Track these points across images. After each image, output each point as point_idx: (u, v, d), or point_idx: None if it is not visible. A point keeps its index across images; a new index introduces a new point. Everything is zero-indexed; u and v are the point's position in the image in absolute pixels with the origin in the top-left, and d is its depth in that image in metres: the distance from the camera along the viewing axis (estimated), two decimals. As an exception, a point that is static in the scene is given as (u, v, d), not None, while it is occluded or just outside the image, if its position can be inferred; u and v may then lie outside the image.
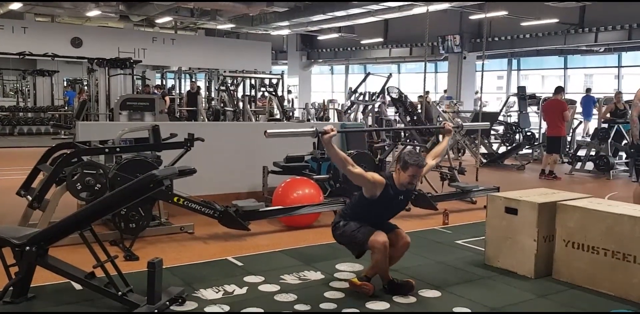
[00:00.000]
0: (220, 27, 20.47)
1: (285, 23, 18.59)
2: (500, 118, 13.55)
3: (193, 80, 19.46)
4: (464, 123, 4.67)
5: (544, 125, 11.34)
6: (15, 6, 15.07)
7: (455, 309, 3.63)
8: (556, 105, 9.89)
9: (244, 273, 4.27)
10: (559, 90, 10.19)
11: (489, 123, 5.37)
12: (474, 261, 4.69)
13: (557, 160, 10.20)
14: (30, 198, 4.95)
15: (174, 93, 18.87)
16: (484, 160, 11.36)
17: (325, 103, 17.76)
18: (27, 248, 3.46)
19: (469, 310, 3.63)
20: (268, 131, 3.65)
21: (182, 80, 21.86)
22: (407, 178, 3.78)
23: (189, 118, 15.57)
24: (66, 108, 17.67)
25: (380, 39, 21.86)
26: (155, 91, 16.65)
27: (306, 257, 4.74)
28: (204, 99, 17.44)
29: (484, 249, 4.68)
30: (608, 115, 10.23)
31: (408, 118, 9.33)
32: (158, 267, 3.39)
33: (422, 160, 3.81)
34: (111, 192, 4.05)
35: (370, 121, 12.89)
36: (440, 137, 4.49)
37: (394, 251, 3.89)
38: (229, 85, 15.27)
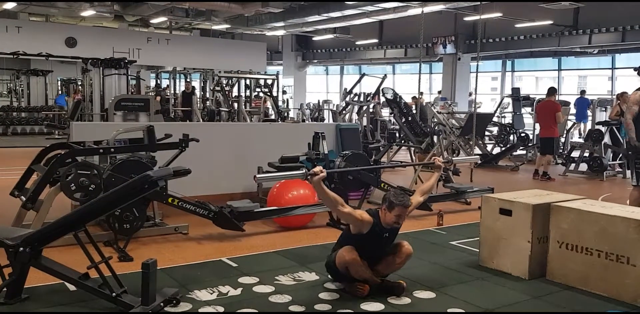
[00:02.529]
0: (215, 27, 20.45)
1: (281, 24, 18.60)
2: (495, 119, 13.59)
3: (188, 80, 19.42)
4: (453, 158, 4.81)
5: (538, 126, 11.44)
6: (9, 6, 15.01)
7: (450, 310, 3.64)
8: (549, 106, 9.94)
9: (238, 274, 4.27)
10: (552, 91, 10.23)
11: (478, 157, 5.48)
12: (469, 262, 4.70)
13: (550, 160, 10.24)
14: (24, 199, 4.93)
15: (168, 94, 18.81)
16: (479, 161, 11.38)
17: (320, 103, 17.77)
18: (21, 249, 3.45)
19: (463, 311, 3.63)
20: (257, 176, 3.73)
21: (177, 81, 21.82)
22: (393, 218, 3.83)
23: (183, 118, 15.53)
24: (58, 109, 17.62)
25: (375, 40, 21.91)
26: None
27: (301, 258, 4.74)
28: (198, 99, 17.41)
29: (478, 250, 4.69)
30: (614, 114, 10.27)
31: (403, 119, 9.35)
32: (152, 268, 3.39)
33: (407, 200, 3.86)
34: (105, 193, 4.04)
35: (365, 122, 12.90)
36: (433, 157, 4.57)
37: (395, 259, 3.99)
38: (224, 85, 15.25)
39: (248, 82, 16.41)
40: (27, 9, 17.08)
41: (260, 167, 6.59)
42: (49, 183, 4.92)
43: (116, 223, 4.77)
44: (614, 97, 11.29)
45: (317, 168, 3.65)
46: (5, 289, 3.54)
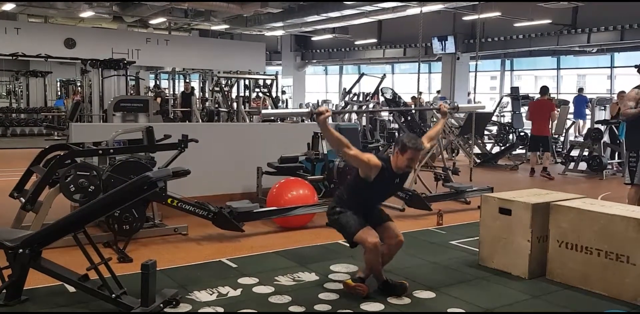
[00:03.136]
0: (214, 28, 20.45)
1: (280, 24, 18.61)
2: (494, 118, 13.59)
3: (187, 81, 19.43)
4: (459, 105, 4.66)
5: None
6: (8, 7, 15.02)
7: (450, 310, 3.64)
8: (545, 105, 10.10)
9: (238, 275, 4.26)
10: (546, 90, 10.36)
11: (484, 104, 5.41)
12: (468, 262, 4.70)
13: (549, 157, 10.37)
14: (23, 200, 4.92)
15: (167, 94, 18.82)
16: (478, 160, 11.39)
17: (320, 103, 17.76)
18: (21, 250, 3.45)
19: (463, 311, 3.63)
20: (263, 111, 3.65)
21: (176, 81, 21.83)
22: (405, 162, 3.76)
23: (182, 119, 15.53)
24: (56, 111, 17.63)
25: (374, 40, 21.91)
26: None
27: (300, 258, 4.74)
28: (198, 100, 17.41)
29: (478, 249, 4.69)
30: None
31: (402, 119, 9.35)
32: (152, 269, 3.38)
33: (420, 143, 3.79)
34: (105, 194, 4.04)
35: (364, 121, 12.90)
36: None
37: (386, 249, 3.89)
38: (223, 85, 15.24)
39: (247, 82, 16.39)
40: (26, 10, 17.10)
41: (260, 167, 6.59)
42: (48, 184, 4.92)
43: (115, 224, 4.77)
44: (614, 96, 11.32)
45: (323, 108, 3.61)
46: (4, 290, 3.54)
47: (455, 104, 4.59)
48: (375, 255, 3.76)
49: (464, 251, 5.08)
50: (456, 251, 5.08)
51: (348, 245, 3.93)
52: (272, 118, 14.11)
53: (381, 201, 4.09)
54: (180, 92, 17.09)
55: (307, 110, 3.67)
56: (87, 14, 16.65)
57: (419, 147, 3.75)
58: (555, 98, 14.44)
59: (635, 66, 6.11)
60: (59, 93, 21.43)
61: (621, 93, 11.06)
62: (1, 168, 9.12)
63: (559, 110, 12.11)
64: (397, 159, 3.79)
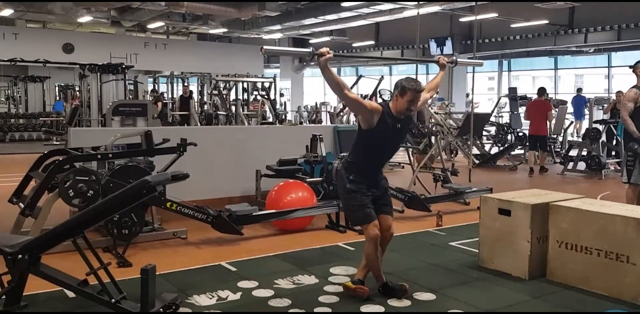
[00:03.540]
0: (212, 31, 20.45)
1: (277, 27, 18.61)
2: (492, 119, 13.60)
3: (185, 84, 19.44)
4: (458, 60, 4.61)
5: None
6: (6, 12, 15.01)
7: (450, 312, 3.63)
8: (542, 105, 10.50)
9: (237, 278, 4.26)
10: (543, 91, 10.78)
11: (482, 62, 5.35)
12: (468, 263, 4.70)
13: (546, 155, 10.80)
14: (22, 206, 4.92)
15: (165, 98, 18.83)
16: (477, 161, 11.39)
17: (318, 106, 17.77)
18: (20, 256, 3.44)
19: (463, 312, 3.63)
20: (265, 47, 3.54)
21: (175, 85, 21.82)
22: (405, 104, 3.73)
23: (181, 122, 15.54)
24: (55, 115, 17.61)
25: (372, 42, 21.91)
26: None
27: (300, 261, 4.73)
28: (196, 103, 17.42)
29: (478, 250, 4.69)
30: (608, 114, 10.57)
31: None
32: (151, 273, 3.38)
33: (420, 84, 3.76)
34: (104, 199, 4.03)
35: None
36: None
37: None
38: (222, 89, 15.26)
39: (245, 85, 16.43)
40: (24, 15, 17.08)
41: (259, 170, 6.59)
42: (47, 189, 4.91)
43: (115, 229, 4.77)
44: (612, 95, 11.37)
45: (324, 49, 3.57)
46: (4, 296, 3.53)
47: (454, 58, 4.54)
48: (375, 245, 3.77)
49: (463, 252, 5.08)
50: (456, 253, 5.08)
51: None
52: (271, 120, 14.17)
53: (388, 157, 4.04)
54: (179, 95, 17.09)
55: (308, 50, 3.61)
56: (85, 19, 16.66)
57: (418, 88, 3.73)
58: (554, 98, 14.46)
59: (630, 66, 6.14)
60: (58, 97, 21.41)
61: (619, 93, 11.12)
62: (0, 174, 9.11)
63: (556, 110, 12.17)
64: (397, 102, 3.76)
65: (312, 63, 25.25)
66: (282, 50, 3.94)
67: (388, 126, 3.76)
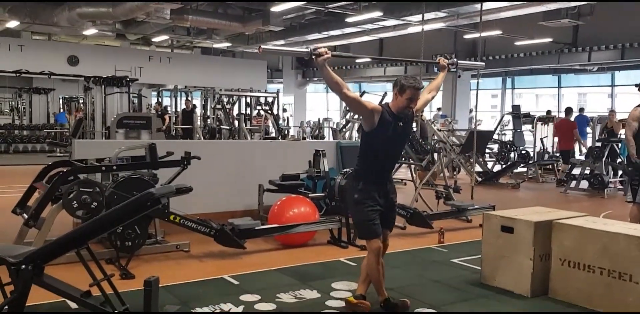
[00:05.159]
0: (216, 45, 20.60)
1: (281, 42, 18.73)
2: (495, 136, 13.62)
3: (188, 98, 19.53)
4: (459, 61, 4.61)
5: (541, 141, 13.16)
6: (12, 24, 15.16)
7: (452, 329, 3.63)
8: (566, 124, 11.79)
9: (239, 292, 4.25)
10: (569, 111, 12.11)
11: (483, 64, 5.32)
12: (470, 280, 4.69)
13: (566, 168, 11.46)
14: (26, 216, 4.93)
15: (169, 112, 18.89)
16: (479, 179, 11.40)
17: (321, 121, 17.81)
18: (23, 266, 3.44)
19: (465, 329, 3.62)
20: (262, 46, 3.55)
21: (178, 99, 21.91)
22: (405, 102, 3.73)
23: (184, 136, 15.59)
24: (59, 127, 17.69)
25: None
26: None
27: (302, 275, 4.73)
28: (199, 117, 17.48)
29: (480, 268, 4.68)
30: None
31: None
32: (155, 285, 3.38)
33: (419, 82, 3.76)
34: (108, 210, 4.05)
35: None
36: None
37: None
38: (225, 103, 15.32)
39: (249, 100, 16.48)
40: (29, 27, 17.24)
41: (261, 185, 6.60)
42: (51, 200, 4.93)
43: (118, 241, 4.78)
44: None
45: (323, 49, 3.56)
46: (6, 307, 3.52)
47: (454, 60, 4.55)
48: (377, 258, 3.78)
49: (465, 269, 5.06)
50: (458, 270, 5.06)
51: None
52: (274, 135, 14.20)
53: (394, 158, 4.01)
54: (182, 109, 17.17)
55: (306, 50, 3.60)
56: (91, 31, 16.80)
57: (417, 85, 3.73)
58: (556, 117, 14.50)
59: (636, 85, 6.19)
60: (61, 109, 21.50)
61: (612, 113, 11.30)
62: (4, 185, 9.13)
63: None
64: (397, 100, 3.76)
65: (315, 78, 25.38)
66: (280, 50, 3.90)
67: (390, 124, 3.74)
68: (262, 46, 3.56)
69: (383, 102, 3.99)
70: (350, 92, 3.69)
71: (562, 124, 11.98)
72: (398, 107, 3.77)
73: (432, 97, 4.31)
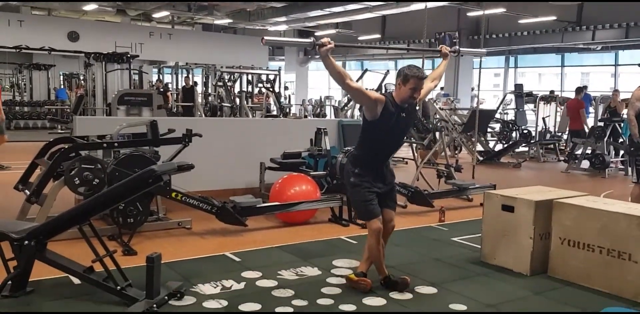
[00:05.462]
0: (217, 22, 20.41)
1: (283, 18, 18.58)
2: (497, 116, 13.59)
3: (186, 75, 19.43)
4: (461, 49, 4.60)
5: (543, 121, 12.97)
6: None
7: (451, 306, 3.66)
8: (575, 104, 11.84)
9: (241, 269, 4.29)
10: (578, 90, 12.05)
11: (485, 51, 5.30)
12: (470, 259, 4.71)
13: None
14: (28, 193, 4.95)
15: (171, 89, 18.83)
16: (481, 158, 11.39)
17: (322, 99, 17.76)
18: (26, 242, 3.47)
19: (464, 307, 3.65)
20: (266, 38, 3.55)
21: (179, 76, 21.82)
22: (408, 92, 3.70)
23: (184, 113, 15.55)
24: (60, 104, 17.63)
25: (378, 35, 21.85)
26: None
27: (303, 253, 4.76)
28: (200, 95, 17.41)
29: (480, 246, 4.70)
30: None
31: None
32: (157, 262, 3.41)
33: (422, 71, 3.75)
34: (110, 187, 4.06)
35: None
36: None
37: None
38: (226, 80, 15.25)
39: (250, 77, 16.41)
40: (29, 2, 17.08)
41: (263, 163, 6.60)
42: (52, 177, 4.94)
43: (120, 218, 4.80)
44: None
45: (325, 39, 3.55)
46: (10, 282, 3.56)
47: (457, 47, 4.53)
48: (377, 239, 3.80)
49: (465, 247, 5.09)
50: (458, 248, 5.09)
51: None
52: (275, 113, 14.17)
53: (394, 148, 4.02)
54: (182, 86, 17.10)
55: (309, 40, 3.59)
56: (91, 7, 16.65)
57: (420, 75, 3.71)
58: (559, 96, 14.45)
59: (639, 64, 6.13)
60: (61, 85, 21.42)
61: (616, 92, 11.23)
62: (5, 161, 9.14)
63: (561, 108, 12.33)
64: (400, 90, 3.74)
65: (317, 56, 25.27)
66: (283, 40, 3.85)
67: (392, 115, 3.73)
68: (265, 37, 3.56)
69: (387, 92, 3.95)
70: (354, 83, 3.67)
71: (572, 104, 12.02)
72: (402, 98, 3.74)
73: (435, 86, 4.30)
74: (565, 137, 12.83)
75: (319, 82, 27.69)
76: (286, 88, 20.51)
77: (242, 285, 3.93)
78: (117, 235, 4.85)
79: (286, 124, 8.41)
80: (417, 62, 18.61)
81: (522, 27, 17.07)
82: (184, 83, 16.92)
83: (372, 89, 13.69)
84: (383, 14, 17.44)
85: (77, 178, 4.65)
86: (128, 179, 3.60)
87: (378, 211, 3.82)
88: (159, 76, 24.10)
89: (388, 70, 14.10)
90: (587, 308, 3.67)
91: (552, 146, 12.87)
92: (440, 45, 4.45)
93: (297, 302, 3.64)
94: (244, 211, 5.40)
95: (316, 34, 22.07)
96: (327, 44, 3.53)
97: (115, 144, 5.22)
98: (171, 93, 16.48)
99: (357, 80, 14.71)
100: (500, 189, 5.53)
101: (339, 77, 3.61)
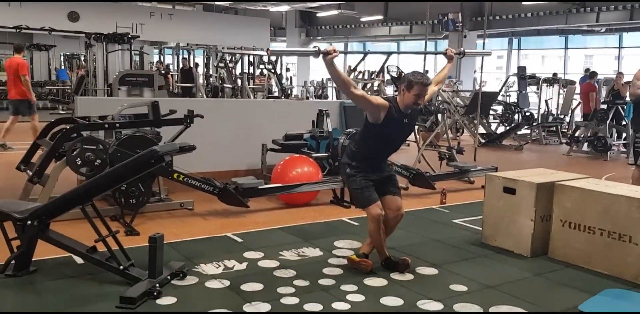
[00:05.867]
0: (218, 2, 20.24)
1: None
2: (500, 98, 13.53)
3: (184, 57, 19.30)
4: (466, 50, 4.60)
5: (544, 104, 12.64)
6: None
7: (452, 287, 3.68)
8: (587, 87, 11.92)
9: (243, 249, 4.31)
10: (593, 74, 12.20)
11: (491, 51, 5.32)
12: (471, 240, 4.74)
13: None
14: (30, 173, 4.96)
15: (172, 70, 18.73)
16: (483, 140, 11.37)
17: (324, 81, 17.67)
18: (29, 222, 3.49)
19: (465, 287, 3.67)
20: (270, 49, 3.61)
21: (180, 56, 21.68)
22: (412, 98, 3.71)
23: (183, 95, 15.49)
24: (61, 84, 17.56)
25: (380, 17, 21.67)
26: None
27: (305, 234, 4.78)
28: (202, 76, 17.31)
29: (481, 228, 4.72)
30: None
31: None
32: (159, 242, 3.43)
33: (427, 78, 3.75)
34: (112, 167, 4.06)
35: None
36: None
37: (386, 220, 3.91)
38: (228, 61, 15.16)
39: (252, 58, 16.30)
40: (29, -18, 16.90)
41: (265, 144, 6.60)
42: (54, 157, 4.95)
43: (122, 198, 4.81)
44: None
45: (330, 47, 3.58)
46: (13, 261, 3.59)
47: (462, 49, 4.53)
48: (377, 225, 3.80)
49: (466, 229, 5.11)
50: (459, 230, 5.11)
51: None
52: (277, 95, 14.12)
53: (393, 150, 4.03)
54: (180, 68, 17.01)
55: (314, 49, 3.61)
56: (91, -14, 16.49)
57: (425, 82, 3.71)
58: (562, 78, 14.36)
59: None
60: (62, 65, 21.30)
61: (619, 75, 11.14)
62: (7, 142, 9.14)
63: (564, 90, 12.32)
64: (404, 97, 3.74)
65: (319, 37, 25.09)
66: (288, 50, 3.89)
67: (395, 121, 3.75)
68: (271, 48, 3.57)
69: (391, 96, 3.93)
70: (357, 90, 3.69)
71: (584, 87, 12.10)
72: (405, 104, 3.74)
73: (439, 89, 4.28)
74: (567, 119, 12.77)
75: (321, 64, 27.50)
76: (288, 69, 20.40)
77: (244, 265, 3.95)
78: (120, 216, 4.87)
79: (288, 106, 8.37)
80: (420, 44, 18.45)
81: (526, 8, 16.91)
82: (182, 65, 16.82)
83: (375, 71, 13.66)
84: (386, -6, 17.28)
85: (79, 159, 4.65)
86: (130, 160, 3.60)
87: (376, 197, 3.83)
88: (159, 57, 23.96)
89: (389, 54, 13.98)
90: (587, 290, 3.68)
91: (554, 128, 12.84)
92: (446, 48, 4.45)
93: (299, 282, 3.67)
94: (246, 193, 5.42)
95: (318, 14, 21.91)
96: (332, 52, 3.55)
97: (117, 125, 5.21)
98: (172, 75, 16.40)
99: (359, 62, 14.63)
100: (501, 171, 5.53)
101: (343, 85, 3.64)
